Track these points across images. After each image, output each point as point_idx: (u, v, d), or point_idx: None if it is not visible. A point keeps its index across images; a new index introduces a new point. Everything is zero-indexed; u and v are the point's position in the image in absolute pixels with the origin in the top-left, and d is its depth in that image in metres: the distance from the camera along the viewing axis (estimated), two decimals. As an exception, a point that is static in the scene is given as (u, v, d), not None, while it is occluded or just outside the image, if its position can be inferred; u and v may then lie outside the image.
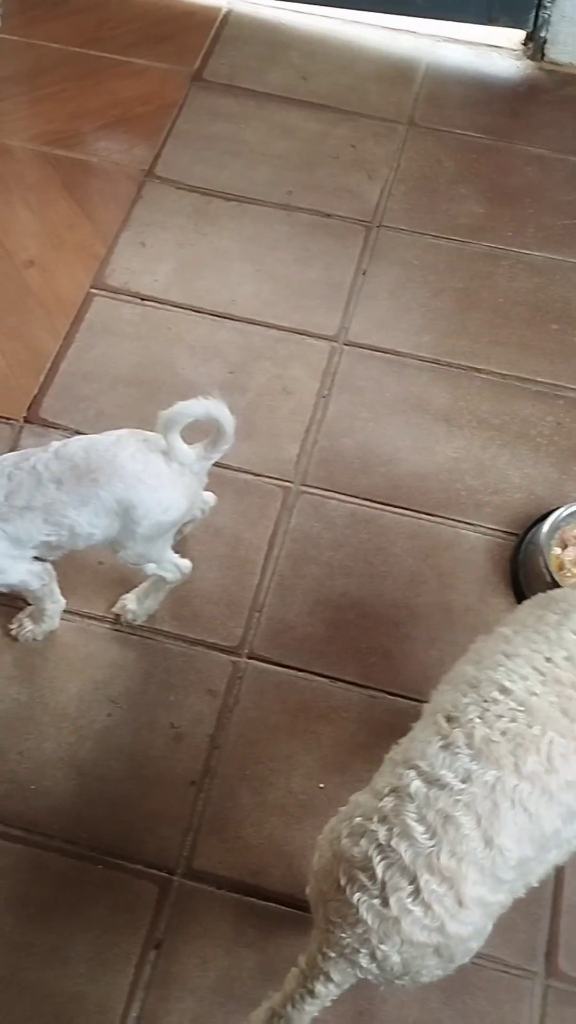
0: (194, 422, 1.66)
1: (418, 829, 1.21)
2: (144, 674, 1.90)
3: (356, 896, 1.22)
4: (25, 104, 2.77)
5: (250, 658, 1.92)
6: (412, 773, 1.25)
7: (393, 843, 1.21)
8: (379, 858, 1.21)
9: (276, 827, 1.75)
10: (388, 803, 1.24)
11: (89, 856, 1.70)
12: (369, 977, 1.28)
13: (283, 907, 1.67)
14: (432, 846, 1.20)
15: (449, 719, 1.28)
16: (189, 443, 1.70)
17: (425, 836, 1.20)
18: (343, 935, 1.25)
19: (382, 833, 1.22)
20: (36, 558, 1.75)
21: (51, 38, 2.89)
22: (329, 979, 1.31)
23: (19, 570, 1.72)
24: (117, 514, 1.67)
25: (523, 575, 2.01)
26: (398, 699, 1.87)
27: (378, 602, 1.99)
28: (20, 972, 1.60)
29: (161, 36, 2.92)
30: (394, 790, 1.25)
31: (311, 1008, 1.35)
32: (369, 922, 1.21)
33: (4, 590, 1.76)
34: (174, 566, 1.85)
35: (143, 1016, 1.58)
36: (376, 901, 1.21)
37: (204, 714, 1.86)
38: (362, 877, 1.22)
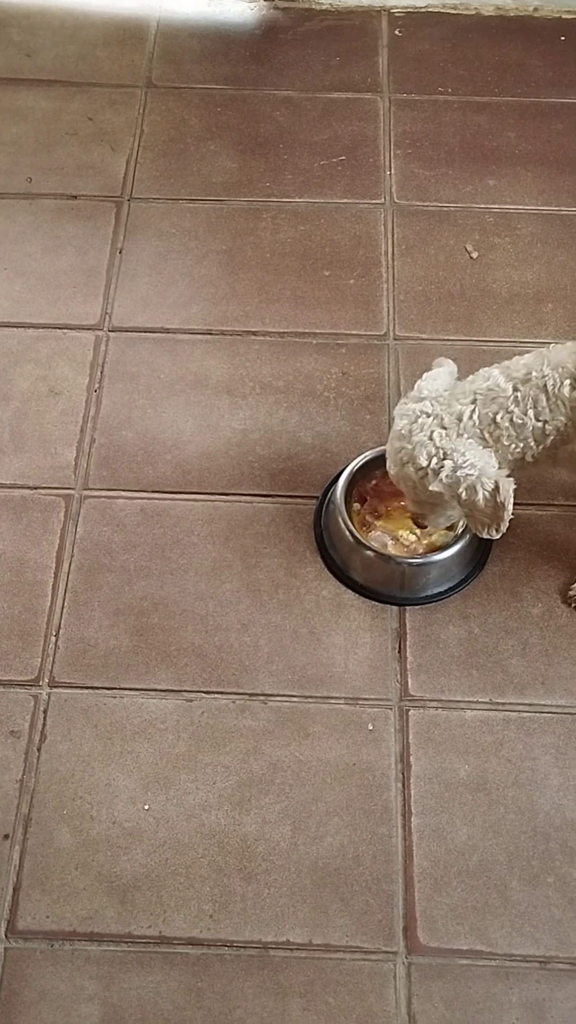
0: None
1: None
2: None
3: None
4: None
5: (52, 687, 1.77)
6: None
7: None
8: None
9: (103, 863, 1.61)
10: None
11: None
12: None
13: (123, 946, 1.55)
14: None
15: None
16: None
17: None
18: None
19: None
20: None
21: None
22: None
23: None
24: None
25: (327, 538, 1.91)
26: (216, 696, 1.75)
27: (182, 598, 1.86)
28: None
29: None
30: None
31: None
32: None
33: None
34: None
35: None
36: None
37: (10, 759, 1.70)
38: None
